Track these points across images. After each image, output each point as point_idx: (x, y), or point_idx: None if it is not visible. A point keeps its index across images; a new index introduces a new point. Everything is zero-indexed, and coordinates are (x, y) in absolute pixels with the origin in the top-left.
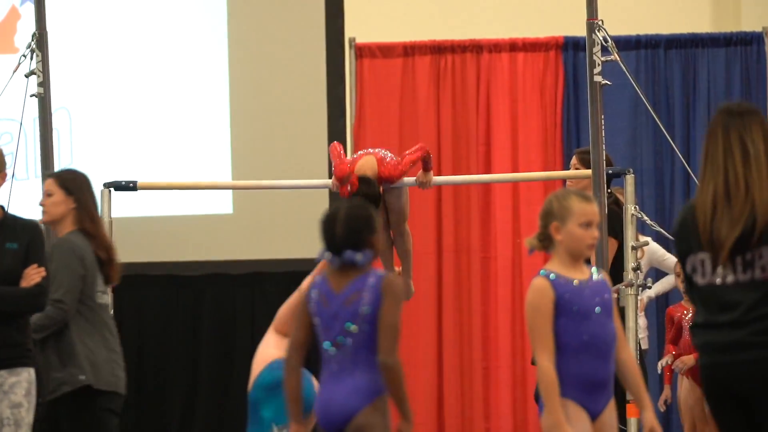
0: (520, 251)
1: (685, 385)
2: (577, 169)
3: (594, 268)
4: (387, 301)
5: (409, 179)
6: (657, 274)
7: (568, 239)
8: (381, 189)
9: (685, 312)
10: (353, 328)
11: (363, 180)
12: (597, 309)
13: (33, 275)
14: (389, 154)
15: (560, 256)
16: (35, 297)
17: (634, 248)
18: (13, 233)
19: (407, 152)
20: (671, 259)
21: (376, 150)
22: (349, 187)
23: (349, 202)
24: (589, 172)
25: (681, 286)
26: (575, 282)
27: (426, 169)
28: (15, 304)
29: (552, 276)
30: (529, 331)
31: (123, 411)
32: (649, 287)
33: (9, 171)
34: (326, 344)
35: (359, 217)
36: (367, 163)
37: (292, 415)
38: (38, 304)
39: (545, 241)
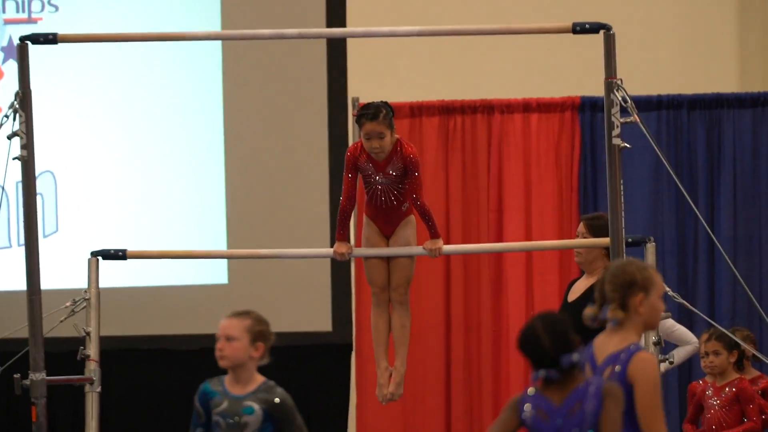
0: None
1: None
2: (584, 237)
3: None
4: (608, 405)
5: (417, 249)
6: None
7: (649, 311)
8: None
9: (710, 389)
10: None
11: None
12: None
13: None
14: None
15: (636, 329)
16: None
17: None
18: None
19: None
20: (680, 331)
21: None
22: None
23: (535, 317)
24: (601, 240)
25: (702, 363)
26: None
27: (434, 235)
28: None
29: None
30: (650, 408)
31: None
32: (672, 362)
33: None
34: None
35: (556, 321)
36: None
37: None
38: None
39: (627, 311)
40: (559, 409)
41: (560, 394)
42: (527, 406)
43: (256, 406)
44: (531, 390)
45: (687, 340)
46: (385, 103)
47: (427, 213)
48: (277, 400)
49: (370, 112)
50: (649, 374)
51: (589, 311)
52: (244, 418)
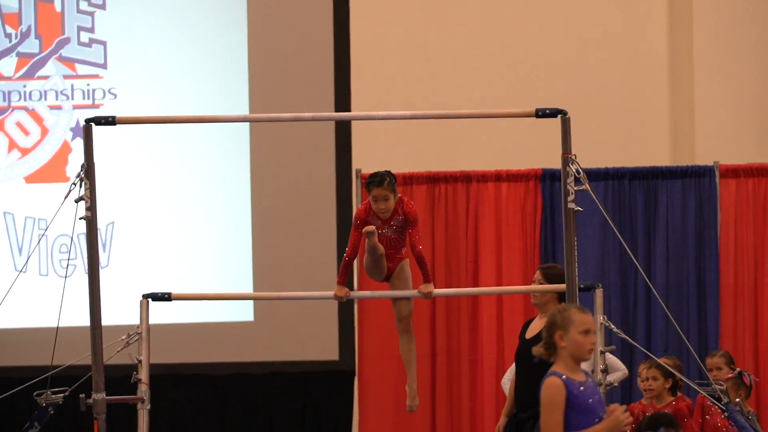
0: (504, 354)
1: None
2: (540, 282)
3: (584, 371)
4: None
5: (412, 291)
6: None
7: (571, 345)
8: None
9: (649, 410)
10: None
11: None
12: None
13: None
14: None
15: (563, 360)
16: None
17: (602, 352)
18: None
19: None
20: (611, 360)
21: None
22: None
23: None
24: (558, 286)
25: (641, 386)
26: (579, 382)
27: (427, 279)
28: None
29: (563, 377)
30: (544, 422)
31: None
32: (616, 385)
33: (62, 272)
34: None
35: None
36: None
37: None
38: None
39: (550, 349)
40: None
41: None
42: None
43: None
44: None
45: (617, 368)
46: (389, 171)
47: (423, 259)
48: None
49: (376, 179)
50: (544, 395)
51: (535, 350)
52: None
